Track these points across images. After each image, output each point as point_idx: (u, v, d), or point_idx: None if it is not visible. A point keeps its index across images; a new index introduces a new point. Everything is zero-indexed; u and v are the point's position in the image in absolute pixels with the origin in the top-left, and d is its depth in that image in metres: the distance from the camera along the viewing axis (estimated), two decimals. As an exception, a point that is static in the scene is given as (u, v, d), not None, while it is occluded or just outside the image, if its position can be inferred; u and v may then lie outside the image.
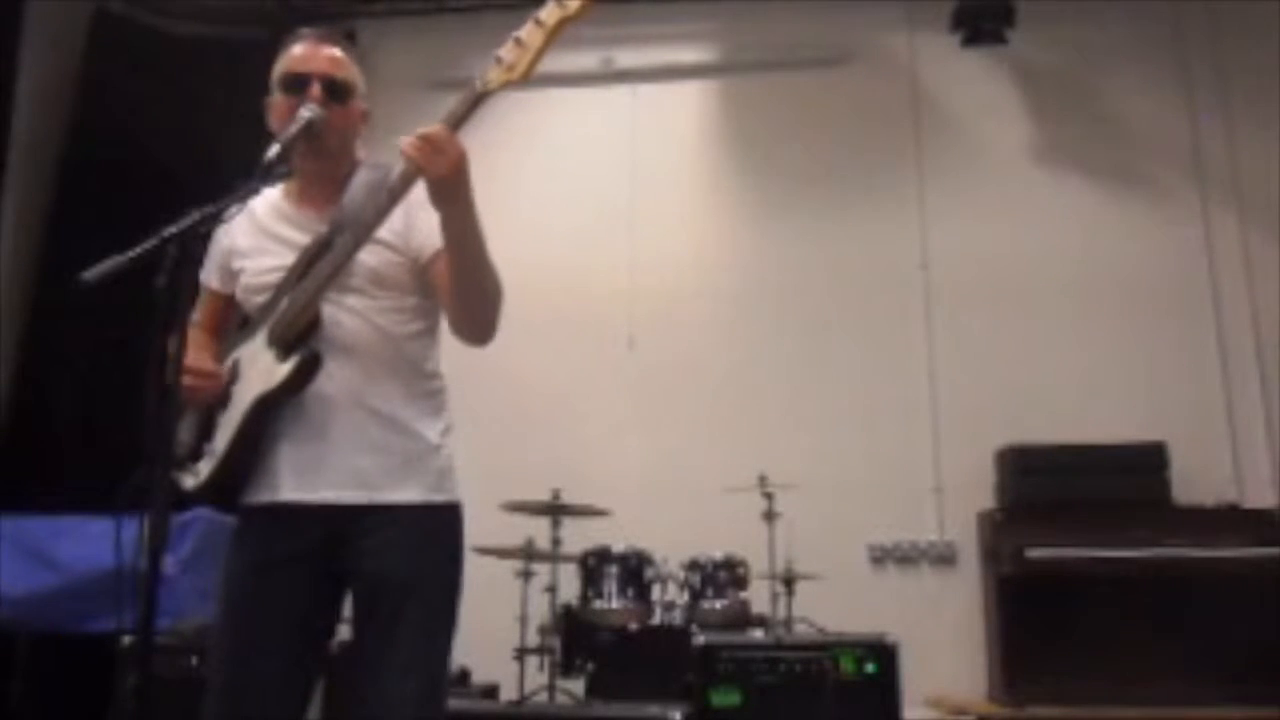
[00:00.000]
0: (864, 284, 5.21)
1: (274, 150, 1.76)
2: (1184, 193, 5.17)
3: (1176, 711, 3.90)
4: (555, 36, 1.67)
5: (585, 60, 5.48)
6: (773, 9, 5.54)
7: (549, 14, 1.67)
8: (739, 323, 5.25)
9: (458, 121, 1.70)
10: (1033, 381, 4.94)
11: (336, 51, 1.97)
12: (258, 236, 1.98)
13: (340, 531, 1.83)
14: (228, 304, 2.05)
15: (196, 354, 1.88)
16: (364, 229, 1.80)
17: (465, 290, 1.82)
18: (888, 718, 3.40)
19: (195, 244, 1.60)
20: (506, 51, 1.69)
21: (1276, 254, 5.00)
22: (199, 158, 4.57)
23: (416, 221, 1.88)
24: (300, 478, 1.85)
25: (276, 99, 1.95)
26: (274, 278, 1.93)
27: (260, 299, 1.95)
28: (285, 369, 1.84)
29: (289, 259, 1.92)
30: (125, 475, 1.48)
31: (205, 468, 1.91)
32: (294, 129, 1.81)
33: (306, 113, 1.84)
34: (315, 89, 1.89)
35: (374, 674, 1.79)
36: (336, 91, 1.92)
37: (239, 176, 1.71)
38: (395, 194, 1.77)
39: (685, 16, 5.69)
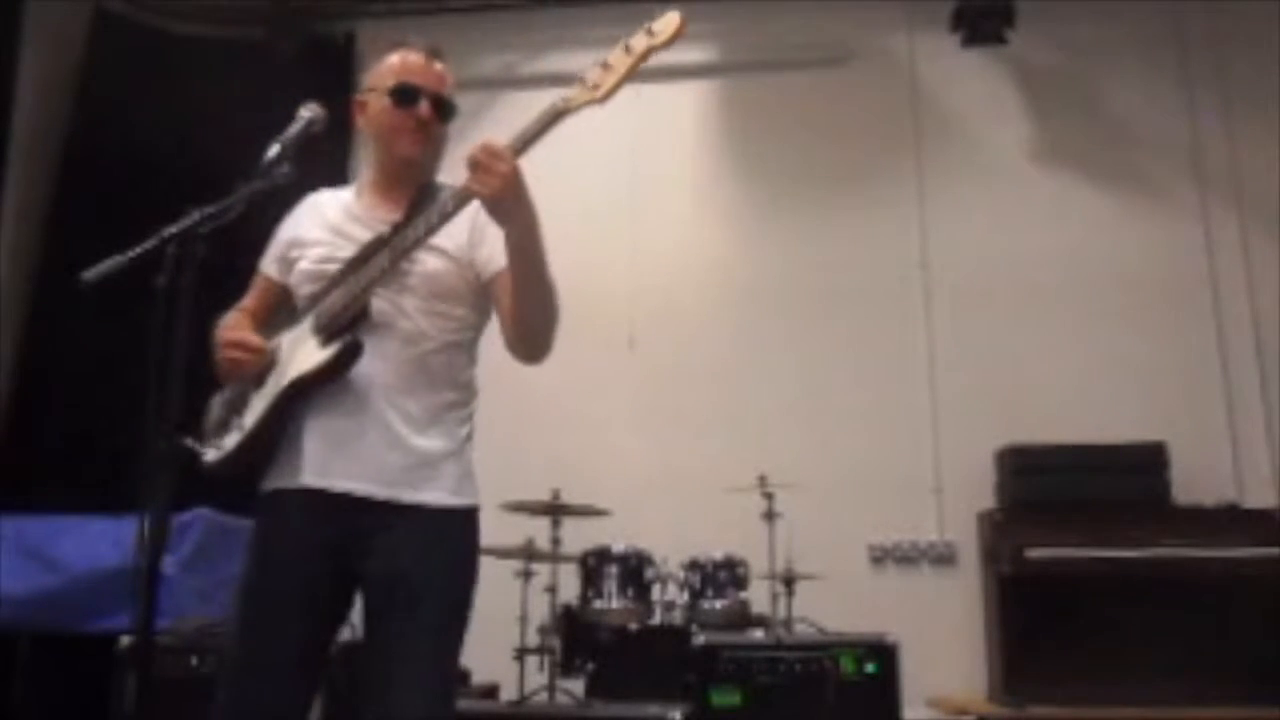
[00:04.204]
0: (864, 283, 5.20)
1: (274, 150, 1.78)
2: (1184, 192, 5.16)
3: (1176, 711, 3.89)
4: (640, 63, 1.74)
5: (585, 60, 5.46)
6: (773, 9, 5.53)
7: (638, 41, 1.75)
8: (739, 322, 5.24)
9: (528, 139, 1.78)
10: (1033, 381, 4.94)
11: (445, 69, 2.06)
12: (323, 230, 2.02)
13: (358, 526, 1.84)
14: (281, 293, 2.08)
15: (237, 328, 1.95)
16: (418, 236, 1.85)
17: (527, 308, 1.88)
18: (888, 718, 3.40)
19: (195, 244, 1.61)
20: (592, 73, 1.77)
21: (1276, 254, 5.00)
22: (199, 157, 4.57)
23: (484, 238, 1.94)
24: (325, 465, 1.86)
25: (383, 104, 2.00)
26: (330, 268, 1.96)
27: (312, 288, 1.98)
28: (325, 354, 1.87)
29: (348, 253, 1.95)
30: (129, 468, 1.48)
31: (230, 442, 1.94)
32: (294, 129, 1.83)
33: (307, 112, 1.86)
34: (425, 106, 1.99)
35: (385, 673, 1.79)
36: (445, 110, 2.03)
37: (239, 176, 1.72)
38: (447, 210, 1.83)
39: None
